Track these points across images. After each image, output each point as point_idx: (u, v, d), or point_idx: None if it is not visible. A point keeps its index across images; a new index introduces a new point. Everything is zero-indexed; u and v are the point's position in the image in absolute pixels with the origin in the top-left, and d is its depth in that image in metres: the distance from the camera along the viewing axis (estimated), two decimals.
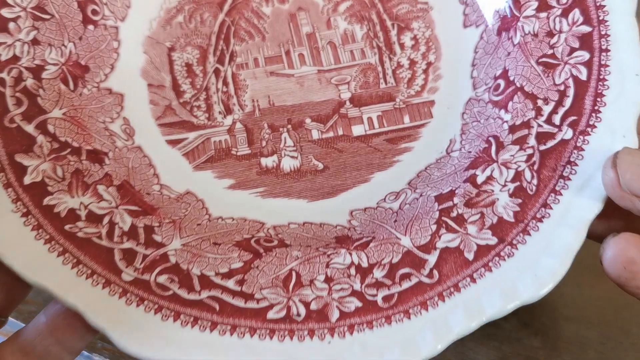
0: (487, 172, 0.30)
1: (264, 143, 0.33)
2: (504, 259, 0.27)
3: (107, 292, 0.27)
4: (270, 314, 0.27)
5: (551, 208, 0.28)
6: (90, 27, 0.33)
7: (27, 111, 0.30)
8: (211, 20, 0.36)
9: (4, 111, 0.30)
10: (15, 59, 0.31)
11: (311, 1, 0.36)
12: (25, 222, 0.28)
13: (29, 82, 0.31)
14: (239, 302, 0.27)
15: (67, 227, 0.28)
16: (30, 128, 0.30)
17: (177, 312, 0.27)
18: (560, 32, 0.31)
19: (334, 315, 0.27)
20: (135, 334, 0.26)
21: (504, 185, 0.29)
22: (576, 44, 0.31)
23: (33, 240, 0.27)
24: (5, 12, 0.31)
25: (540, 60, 0.31)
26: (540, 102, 0.30)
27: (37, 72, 0.31)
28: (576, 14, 0.31)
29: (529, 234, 0.27)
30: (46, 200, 0.28)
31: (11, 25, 0.31)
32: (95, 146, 0.31)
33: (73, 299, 0.26)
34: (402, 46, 0.35)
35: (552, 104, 0.30)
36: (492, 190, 0.29)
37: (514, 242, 0.27)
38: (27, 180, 0.29)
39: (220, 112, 0.34)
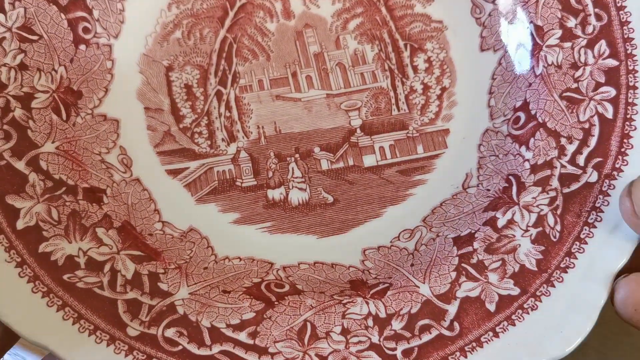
0: (508, 215, 0.29)
1: (270, 174, 0.32)
2: (528, 312, 0.26)
3: (112, 350, 0.25)
4: None
5: (576, 258, 0.27)
6: (82, 47, 0.31)
7: (17, 145, 0.28)
8: (211, 36, 0.33)
9: None
10: (1, 86, 0.28)
11: (319, 17, 0.34)
12: (21, 272, 0.26)
13: (18, 112, 0.28)
14: (252, 358, 0.26)
15: (65, 277, 0.26)
16: (21, 165, 0.28)
17: None
18: (586, 64, 0.30)
19: None
20: None
21: (526, 230, 0.28)
22: (602, 79, 0.29)
23: (30, 294, 0.25)
24: None
25: (563, 94, 0.30)
26: (563, 141, 0.29)
27: (26, 101, 0.29)
28: (602, 45, 0.30)
29: (553, 286, 0.27)
30: (42, 247, 0.26)
31: None
32: (92, 183, 0.29)
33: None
34: (415, 69, 0.33)
35: (576, 143, 0.29)
36: (514, 235, 0.28)
37: (538, 293, 0.26)
38: (20, 224, 0.26)
39: (223, 140, 0.32)
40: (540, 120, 0.30)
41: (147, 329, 0.26)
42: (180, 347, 0.26)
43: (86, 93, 0.31)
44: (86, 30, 0.31)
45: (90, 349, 0.25)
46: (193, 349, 0.26)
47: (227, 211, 0.31)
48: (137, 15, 0.33)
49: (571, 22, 0.30)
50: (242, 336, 0.26)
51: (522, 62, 0.31)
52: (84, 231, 0.27)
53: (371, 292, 0.28)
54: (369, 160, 0.32)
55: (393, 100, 0.33)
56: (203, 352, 0.26)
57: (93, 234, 0.27)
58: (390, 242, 0.30)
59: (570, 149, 0.29)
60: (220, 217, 0.31)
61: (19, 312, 0.25)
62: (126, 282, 0.27)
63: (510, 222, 0.28)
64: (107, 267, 0.27)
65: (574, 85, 0.30)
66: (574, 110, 0.29)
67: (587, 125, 0.29)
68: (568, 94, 0.30)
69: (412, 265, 0.29)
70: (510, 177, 0.30)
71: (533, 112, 0.30)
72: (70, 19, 0.31)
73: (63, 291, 0.26)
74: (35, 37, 0.29)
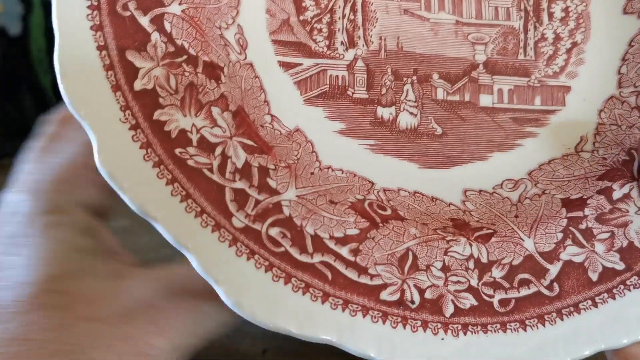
0: (625, 190, 0.28)
1: (383, 90, 0.30)
2: (630, 290, 0.26)
3: (216, 236, 0.24)
4: (384, 295, 0.25)
5: None
6: None
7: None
8: None
9: None
10: None
11: None
12: (134, 136, 0.24)
13: None
14: (352, 275, 0.25)
15: (177, 151, 0.24)
16: (145, 21, 0.25)
17: (288, 275, 0.24)
18: None
19: (449, 309, 0.25)
20: (247, 293, 0.23)
21: None
22: None
23: (142, 161, 0.24)
24: None
25: None
26: None
27: None
28: None
29: None
30: (157, 114, 0.25)
31: None
32: (212, 58, 0.26)
33: (184, 240, 0.23)
34: (550, 16, 0.31)
35: None
36: (627, 210, 0.27)
37: None
38: (138, 85, 0.24)
39: (342, 43, 0.30)
40: None
41: (252, 223, 0.25)
42: (282, 249, 0.25)
43: None
44: None
45: (194, 231, 0.24)
46: (295, 253, 0.25)
47: (334, 119, 0.29)
48: None
49: None
50: (344, 251, 0.25)
51: None
52: (200, 107, 0.25)
53: (475, 235, 0.27)
54: (485, 100, 0.31)
55: (522, 44, 0.31)
56: (304, 258, 0.25)
57: (208, 111, 0.26)
58: (493, 188, 0.29)
59: None
60: (325, 124, 0.29)
61: (130, 178, 0.23)
62: (236, 170, 0.25)
63: (627, 196, 0.28)
64: (218, 150, 0.25)
65: None
66: None
67: None
68: None
69: (516, 216, 0.28)
70: (633, 151, 0.29)
71: None
72: None
73: (173, 165, 0.24)
74: None
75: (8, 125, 0.45)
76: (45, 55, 0.46)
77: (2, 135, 0.45)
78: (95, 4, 0.24)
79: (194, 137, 0.25)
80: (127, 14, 0.25)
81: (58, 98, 0.24)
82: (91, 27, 0.24)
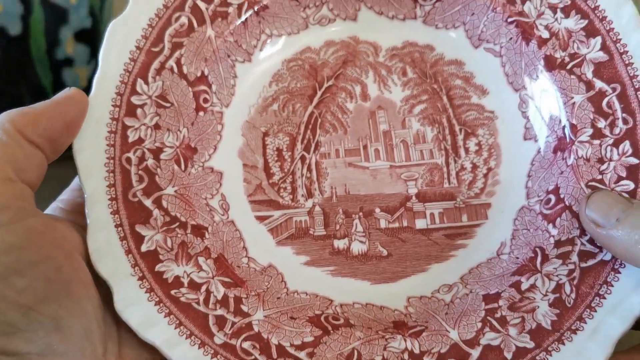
0: (531, 281, 0.34)
1: (337, 226, 0.39)
2: None
3: (202, 352, 0.32)
4: None
5: (585, 322, 0.32)
6: (201, 113, 0.39)
7: (147, 187, 0.36)
8: (301, 110, 0.41)
9: (129, 186, 0.36)
10: (140, 141, 0.37)
11: (390, 101, 0.41)
12: (141, 285, 0.34)
13: (150, 161, 0.37)
14: None
15: (172, 291, 0.34)
16: (148, 202, 0.36)
17: None
18: (610, 160, 0.35)
19: None
20: None
21: (545, 295, 0.33)
22: (623, 173, 0.35)
23: (146, 302, 0.33)
24: (135, 100, 0.37)
25: (589, 183, 0.35)
26: None
27: (156, 154, 0.37)
28: (626, 145, 0.35)
29: (563, 344, 0.32)
30: (157, 267, 0.34)
31: (138, 111, 0.37)
32: (199, 221, 0.37)
33: (176, 356, 0.32)
34: (466, 150, 0.40)
35: None
36: (534, 298, 0.33)
37: (549, 349, 0.32)
38: (144, 248, 0.35)
39: (303, 195, 0.40)
40: (567, 203, 0.35)
41: (229, 339, 0.33)
42: (253, 357, 0.33)
43: (200, 150, 0.39)
44: (205, 100, 0.40)
45: (185, 349, 0.32)
46: (263, 359, 0.33)
47: (300, 254, 0.38)
48: (245, 90, 0.41)
49: (601, 123, 0.36)
50: (302, 355, 0.33)
51: (557, 152, 0.37)
52: (189, 258, 0.35)
53: (409, 332, 0.34)
54: (420, 224, 0.39)
55: (445, 175, 0.39)
56: None
57: (195, 261, 0.35)
58: (431, 293, 0.36)
59: None
60: (294, 258, 0.38)
61: (138, 315, 0.33)
62: (217, 301, 0.34)
63: (533, 286, 0.34)
64: (203, 288, 0.34)
65: (599, 177, 0.35)
66: None
67: None
68: (593, 183, 0.35)
69: (446, 313, 0.35)
70: (537, 248, 0.35)
71: (562, 196, 0.36)
72: (194, 91, 0.39)
73: (170, 302, 0.34)
74: (168, 104, 0.38)
75: None
76: (45, 55, 0.45)
77: None
78: (114, 196, 0.35)
79: (185, 280, 0.34)
80: (136, 199, 0.36)
81: None
82: (111, 212, 0.35)
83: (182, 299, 0.34)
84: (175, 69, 0.38)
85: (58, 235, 0.32)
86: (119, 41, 0.37)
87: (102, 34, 0.38)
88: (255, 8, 0.40)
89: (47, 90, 0.49)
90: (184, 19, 0.39)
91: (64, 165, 0.37)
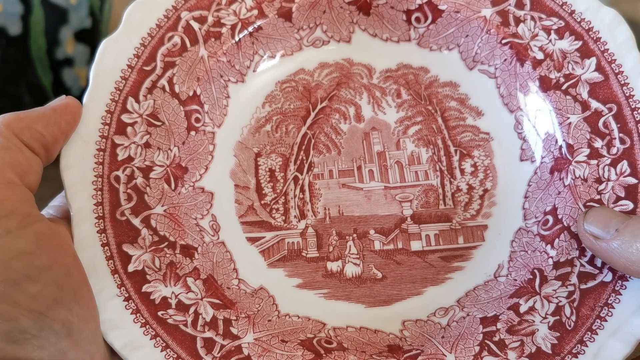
0: (530, 303, 0.33)
1: (331, 248, 0.38)
2: None
3: None
4: None
5: (586, 345, 0.31)
6: (193, 132, 0.39)
7: (136, 206, 0.35)
8: (295, 131, 0.41)
9: (117, 205, 0.35)
10: (129, 159, 0.36)
11: (384, 122, 0.41)
12: (126, 306, 0.33)
13: (139, 180, 0.36)
14: None
15: (160, 313, 0.33)
16: (136, 221, 0.35)
17: None
18: (608, 180, 0.35)
19: None
20: None
21: (545, 318, 0.32)
22: (622, 193, 0.34)
23: (132, 323, 0.32)
24: (125, 118, 0.37)
25: (587, 203, 0.34)
26: None
27: (146, 172, 0.36)
28: (624, 165, 0.35)
29: None
30: (144, 287, 0.33)
31: (129, 129, 0.37)
32: (188, 241, 0.36)
33: None
34: (462, 172, 0.39)
35: None
36: (533, 321, 0.32)
37: None
38: (131, 268, 0.34)
39: (295, 216, 0.39)
40: (565, 224, 0.35)
41: None
42: None
43: (191, 169, 0.38)
44: (197, 120, 0.39)
45: None
46: None
47: (292, 276, 0.37)
48: (237, 110, 0.41)
49: (598, 143, 0.35)
50: None
51: (554, 173, 0.37)
52: (177, 279, 0.34)
53: (405, 356, 0.33)
54: (415, 245, 0.38)
55: (441, 197, 0.39)
56: None
57: (184, 282, 0.34)
58: (427, 316, 0.35)
59: (590, 252, 0.33)
60: (286, 281, 0.37)
61: (122, 337, 0.31)
62: (205, 323, 0.33)
63: (532, 309, 0.33)
64: (192, 310, 0.33)
65: (597, 197, 0.34)
66: None
67: None
68: (591, 203, 0.34)
69: (442, 337, 0.34)
70: (535, 270, 0.34)
71: (560, 217, 0.35)
72: (186, 111, 0.39)
73: (157, 324, 0.32)
74: (159, 123, 0.38)
75: None
76: (45, 55, 0.46)
77: None
78: (101, 214, 0.35)
79: (173, 302, 0.33)
80: (124, 218, 0.35)
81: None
82: (97, 232, 0.34)
83: (170, 320, 0.33)
84: (167, 88, 0.38)
85: (63, 240, 0.32)
86: (111, 59, 0.37)
87: (102, 34, 0.38)
88: (249, 29, 0.40)
89: (47, 90, 0.48)
90: (176, 39, 0.39)
91: None
